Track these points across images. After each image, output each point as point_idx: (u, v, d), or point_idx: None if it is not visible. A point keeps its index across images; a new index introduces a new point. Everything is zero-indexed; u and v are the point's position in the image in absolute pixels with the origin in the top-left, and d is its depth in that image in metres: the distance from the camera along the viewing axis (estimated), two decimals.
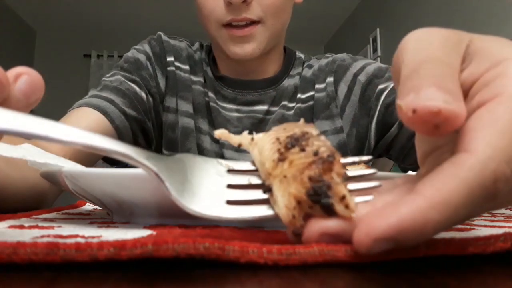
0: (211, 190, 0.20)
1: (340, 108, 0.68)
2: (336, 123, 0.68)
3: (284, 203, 0.18)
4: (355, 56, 0.74)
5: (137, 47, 0.70)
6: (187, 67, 0.69)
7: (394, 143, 0.65)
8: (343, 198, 0.17)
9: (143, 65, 0.67)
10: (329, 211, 0.17)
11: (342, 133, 0.67)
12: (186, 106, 0.67)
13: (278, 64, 0.72)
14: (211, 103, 0.68)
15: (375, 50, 3.12)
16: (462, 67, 0.19)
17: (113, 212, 0.31)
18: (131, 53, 0.69)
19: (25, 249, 0.15)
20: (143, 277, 0.15)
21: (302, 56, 0.75)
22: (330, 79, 0.70)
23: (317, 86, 0.70)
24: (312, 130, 0.20)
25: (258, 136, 0.22)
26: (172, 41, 0.71)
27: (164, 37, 0.71)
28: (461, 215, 0.16)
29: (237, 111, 0.68)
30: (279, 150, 0.19)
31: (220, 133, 0.23)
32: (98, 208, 0.45)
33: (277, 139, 0.20)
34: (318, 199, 0.17)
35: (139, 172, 0.24)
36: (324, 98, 0.69)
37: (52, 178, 0.31)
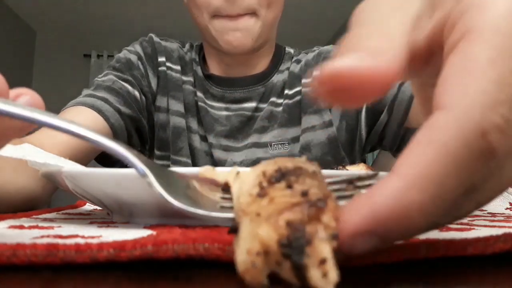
0: (202, 195, 0.18)
1: None
2: (324, 117, 0.66)
3: (246, 245, 0.13)
4: None
5: (128, 48, 0.71)
6: (178, 67, 0.70)
7: (386, 132, 0.64)
8: (323, 262, 0.13)
9: (134, 65, 0.67)
10: (300, 275, 0.13)
11: (332, 127, 0.66)
12: (177, 106, 0.68)
13: (267, 60, 0.72)
14: (200, 103, 0.68)
15: None
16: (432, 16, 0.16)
17: (113, 212, 0.31)
18: (123, 54, 0.70)
19: (24, 250, 0.15)
20: (143, 277, 0.15)
21: (292, 50, 0.75)
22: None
23: (304, 80, 0.69)
24: (309, 166, 0.16)
25: (244, 170, 0.18)
26: (163, 43, 0.72)
27: (156, 39, 0.72)
28: (454, 187, 0.12)
29: (226, 109, 0.68)
30: (260, 183, 0.15)
31: (204, 171, 0.19)
32: (98, 208, 0.45)
33: (263, 172, 0.16)
34: (291, 254, 0.13)
35: None
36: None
37: (52, 178, 0.31)
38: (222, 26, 0.61)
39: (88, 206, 0.46)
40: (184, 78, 0.70)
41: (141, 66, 0.68)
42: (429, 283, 0.15)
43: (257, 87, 0.69)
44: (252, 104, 0.68)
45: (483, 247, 0.17)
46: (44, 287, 0.14)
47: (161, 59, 0.69)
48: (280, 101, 0.68)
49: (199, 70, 0.71)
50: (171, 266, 0.17)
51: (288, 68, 0.71)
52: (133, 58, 0.68)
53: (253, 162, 0.63)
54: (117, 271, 0.16)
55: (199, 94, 0.69)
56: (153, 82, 0.68)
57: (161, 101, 0.68)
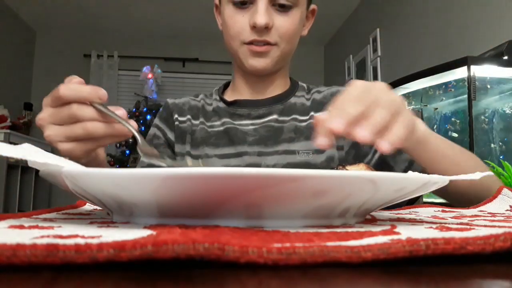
0: None
1: None
2: (339, 142, 0.78)
3: None
4: None
5: (154, 121, 0.88)
6: (187, 116, 0.85)
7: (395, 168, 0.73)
8: None
9: (156, 135, 0.85)
10: None
11: (342, 151, 0.78)
12: (185, 148, 0.82)
13: (283, 84, 0.86)
14: (228, 125, 0.81)
15: (375, 50, 3.11)
16: None
17: (113, 212, 0.31)
18: (151, 129, 0.87)
19: (24, 251, 0.15)
20: (143, 277, 0.15)
21: (304, 84, 0.90)
22: None
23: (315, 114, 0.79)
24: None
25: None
26: (177, 101, 0.89)
27: (171, 101, 0.89)
28: None
29: (252, 124, 0.81)
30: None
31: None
32: (98, 208, 0.45)
33: None
34: None
35: (139, 172, 0.24)
36: None
37: (52, 178, 0.31)
38: (249, 51, 0.76)
39: (88, 206, 0.46)
40: (195, 121, 0.84)
41: (160, 133, 0.85)
42: (429, 283, 0.15)
43: (277, 105, 0.83)
44: (274, 117, 0.81)
45: (484, 245, 0.17)
46: (44, 287, 0.14)
47: (175, 115, 0.85)
48: (303, 118, 0.82)
49: (221, 104, 0.85)
50: (171, 266, 0.17)
51: (304, 96, 0.86)
52: (155, 131, 0.85)
53: (284, 166, 0.75)
54: (117, 271, 0.16)
55: (226, 119, 0.83)
56: (172, 136, 0.84)
57: (178, 148, 0.83)
